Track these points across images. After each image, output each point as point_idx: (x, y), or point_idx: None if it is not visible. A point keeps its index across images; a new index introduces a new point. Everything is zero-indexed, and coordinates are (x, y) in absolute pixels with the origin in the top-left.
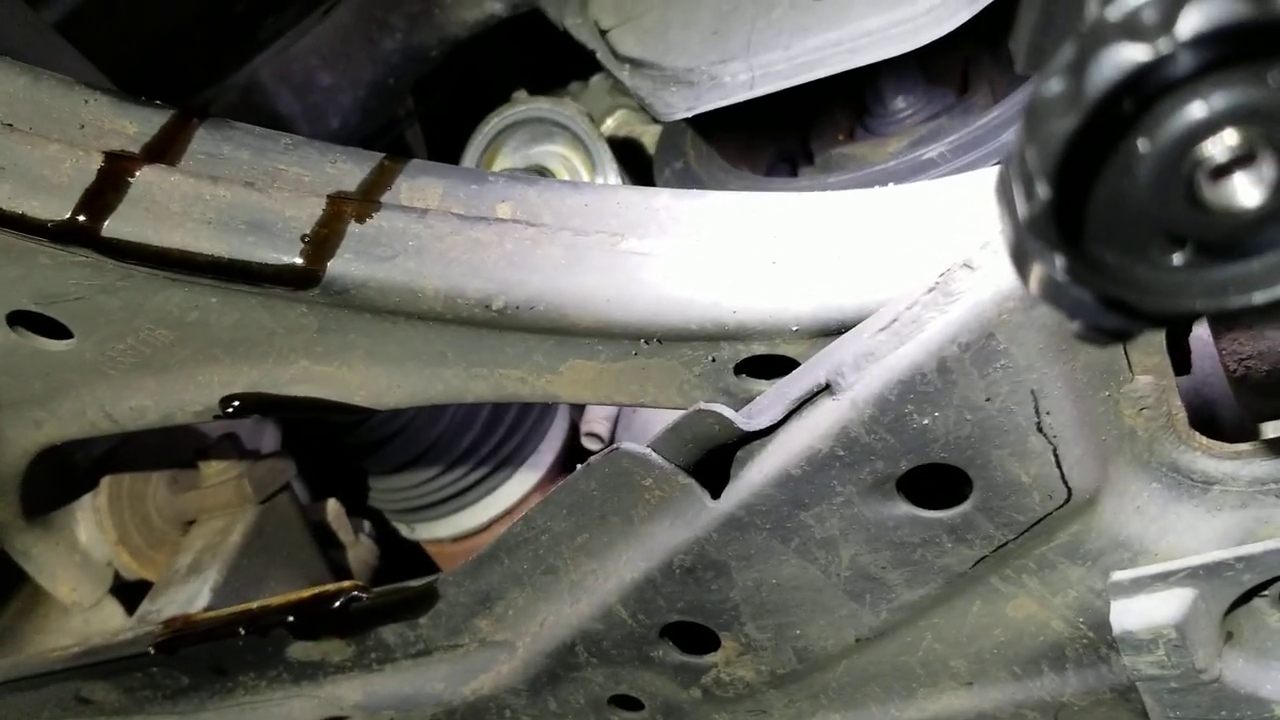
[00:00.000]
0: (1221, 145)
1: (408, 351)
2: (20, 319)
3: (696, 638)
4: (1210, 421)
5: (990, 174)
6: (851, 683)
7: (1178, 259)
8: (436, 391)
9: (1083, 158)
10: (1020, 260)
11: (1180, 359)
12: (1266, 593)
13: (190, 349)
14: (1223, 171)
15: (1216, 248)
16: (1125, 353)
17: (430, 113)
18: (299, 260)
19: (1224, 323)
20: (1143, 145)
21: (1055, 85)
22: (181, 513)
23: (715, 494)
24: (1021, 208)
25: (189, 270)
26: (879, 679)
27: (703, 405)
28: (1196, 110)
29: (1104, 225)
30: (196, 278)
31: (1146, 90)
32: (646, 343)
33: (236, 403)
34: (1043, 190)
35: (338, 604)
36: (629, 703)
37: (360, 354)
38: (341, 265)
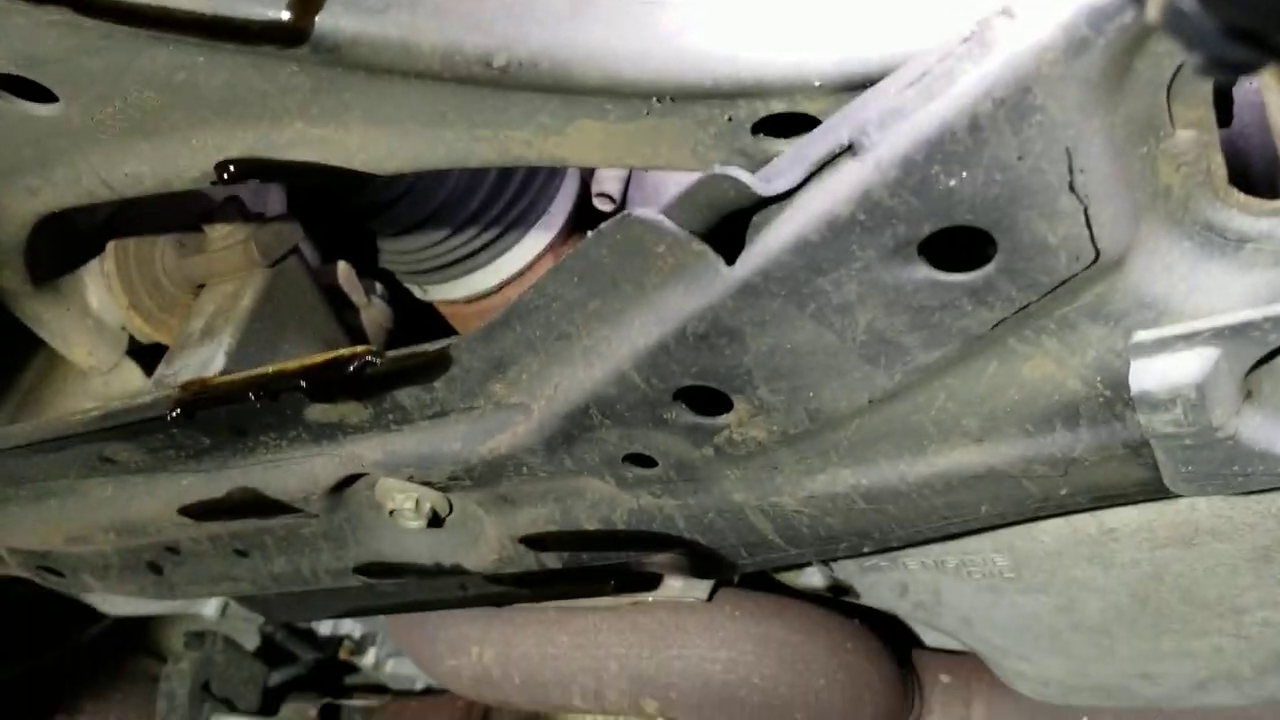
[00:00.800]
0: None
1: (406, 113)
2: (2, 83)
3: (709, 400)
4: (1245, 177)
5: None
6: (863, 440)
7: None
8: (439, 155)
9: None
10: None
11: (1224, 110)
12: None
13: (181, 112)
14: None
15: None
16: (1168, 105)
17: None
18: (285, 14)
19: None
20: None
21: None
22: (190, 276)
23: (730, 260)
24: None
25: (169, 28)
26: (890, 437)
27: (718, 169)
28: None
29: None
30: (179, 35)
31: None
32: (659, 101)
33: (233, 167)
34: None
35: (352, 368)
36: (642, 460)
37: (357, 116)
38: (330, 19)
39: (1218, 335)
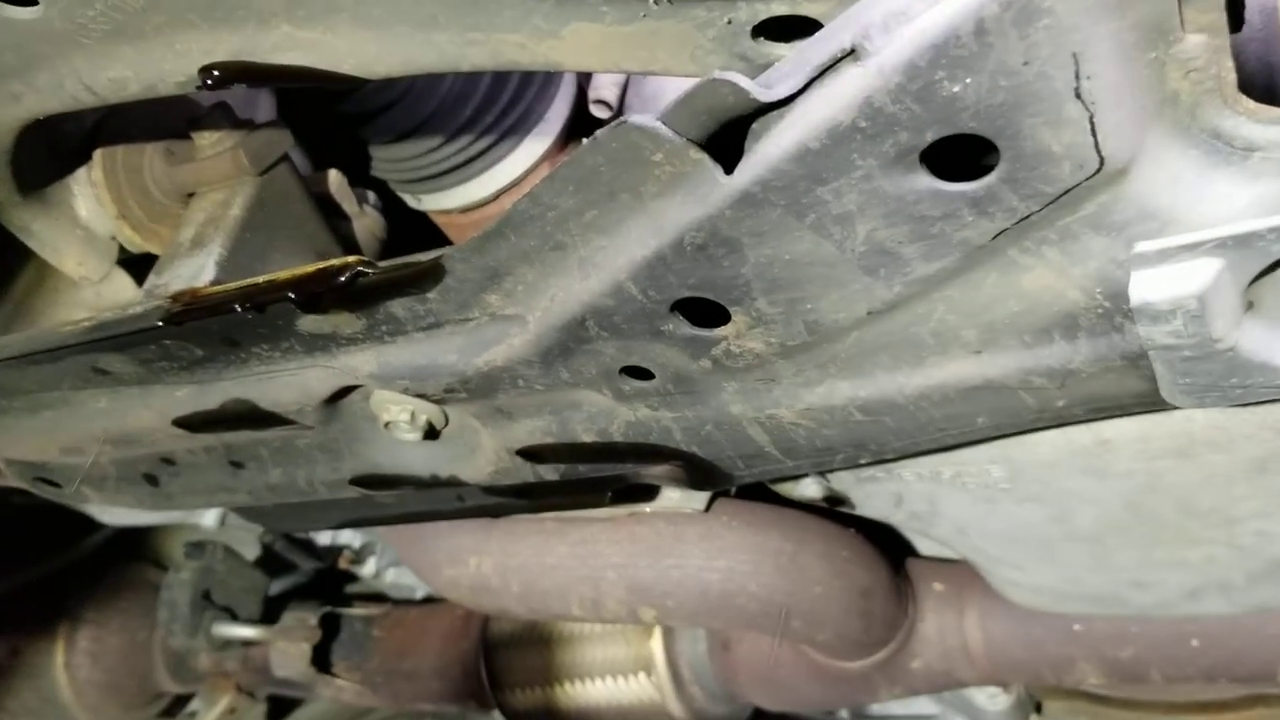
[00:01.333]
0: None
1: (396, 15)
2: None
3: (707, 312)
4: (1255, 83)
5: None
6: (861, 352)
7: None
8: (430, 59)
9: None
10: None
11: (1235, 15)
12: None
13: (164, 15)
14: None
15: None
16: (1180, 8)
17: None
18: None
19: None
20: None
21: None
22: (180, 185)
23: (729, 169)
24: None
25: None
26: (888, 348)
27: (717, 74)
28: None
29: None
30: None
31: None
32: (656, 2)
33: (218, 72)
34: None
35: (343, 278)
36: (640, 373)
37: (345, 18)
38: None
39: (1221, 245)
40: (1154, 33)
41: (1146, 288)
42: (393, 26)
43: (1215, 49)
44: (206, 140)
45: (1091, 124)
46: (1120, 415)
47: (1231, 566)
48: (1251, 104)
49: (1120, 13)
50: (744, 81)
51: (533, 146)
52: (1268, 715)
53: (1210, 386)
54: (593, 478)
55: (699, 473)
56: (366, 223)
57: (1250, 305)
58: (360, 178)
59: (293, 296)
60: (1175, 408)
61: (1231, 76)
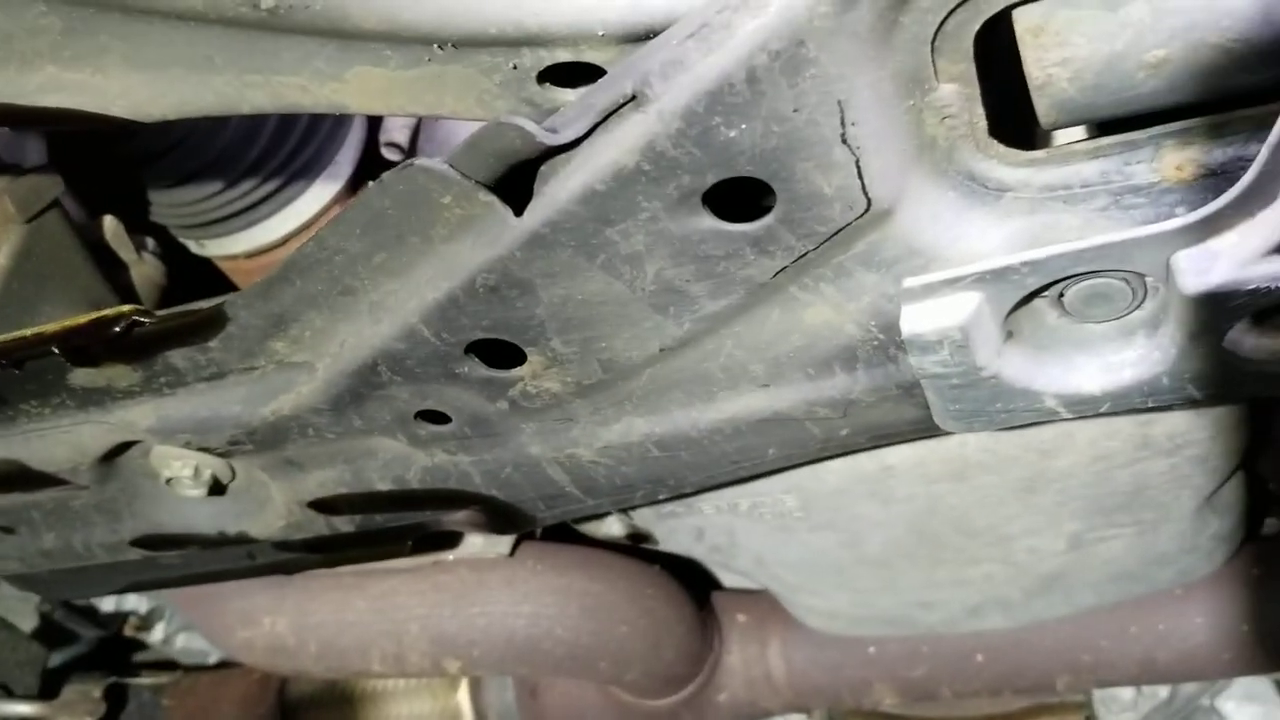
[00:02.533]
0: None
1: (170, 56)
2: None
3: (502, 353)
4: (1006, 129)
5: None
6: (655, 389)
7: None
8: (207, 102)
9: None
10: None
11: (986, 64)
12: (1046, 294)
13: None
14: None
15: None
16: (933, 60)
17: None
18: None
19: None
20: None
21: None
22: None
23: (518, 211)
24: None
25: None
26: (681, 385)
27: (503, 117)
28: None
29: None
30: None
31: None
32: (440, 48)
33: None
34: None
35: (118, 328)
36: (436, 417)
37: (116, 59)
38: None
39: (980, 280)
40: (911, 82)
41: (915, 320)
42: (166, 68)
43: (967, 97)
44: None
45: (858, 167)
46: (900, 442)
47: (1008, 583)
48: (1001, 148)
49: (879, 63)
50: (530, 125)
51: (322, 190)
52: None
53: (977, 412)
54: (391, 527)
55: (500, 516)
56: (146, 270)
57: (1010, 335)
58: (140, 223)
59: (55, 351)
60: (949, 433)
61: (982, 122)
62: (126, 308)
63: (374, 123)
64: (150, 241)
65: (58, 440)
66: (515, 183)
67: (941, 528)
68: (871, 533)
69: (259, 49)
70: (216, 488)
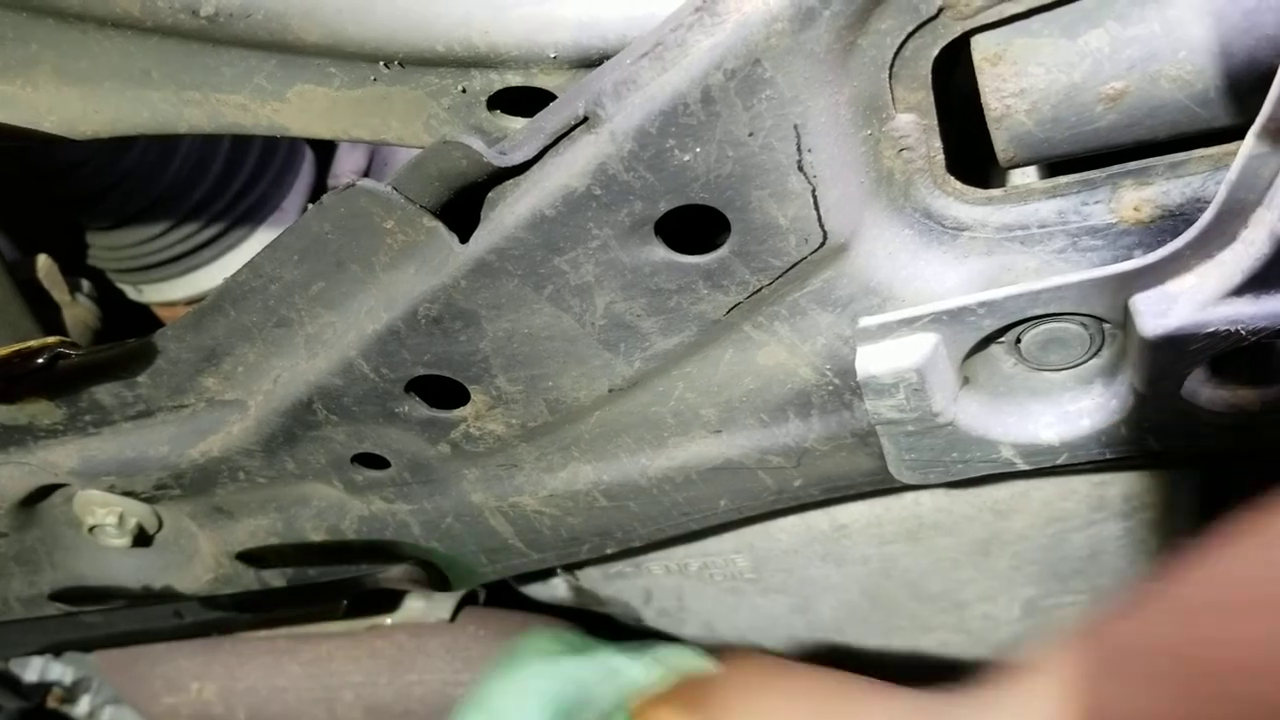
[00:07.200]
0: None
1: (104, 69)
2: None
3: (444, 391)
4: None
5: None
6: (604, 434)
7: None
8: (143, 119)
9: None
10: None
11: (945, 95)
12: (1003, 339)
13: None
14: None
15: None
16: (890, 87)
17: None
18: None
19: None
20: None
21: None
22: None
23: (464, 238)
24: None
25: None
26: (631, 429)
27: (449, 138)
28: None
29: None
30: None
31: None
32: (386, 66)
33: None
34: None
35: (41, 360)
36: (373, 461)
37: (47, 70)
38: None
39: (936, 320)
40: (868, 109)
41: (871, 361)
42: (100, 82)
43: (925, 128)
44: None
45: (814, 198)
46: (854, 495)
47: (963, 651)
48: (958, 185)
49: (836, 87)
50: (477, 145)
51: (267, 235)
52: None
53: (933, 462)
54: (324, 583)
55: (439, 572)
56: (79, 313)
57: (966, 381)
58: (76, 266)
59: None
60: (905, 489)
61: (940, 157)
62: (52, 339)
63: (323, 166)
64: (86, 284)
65: None
66: (461, 207)
67: (896, 592)
68: (824, 596)
69: (198, 63)
70: (142, 537)
